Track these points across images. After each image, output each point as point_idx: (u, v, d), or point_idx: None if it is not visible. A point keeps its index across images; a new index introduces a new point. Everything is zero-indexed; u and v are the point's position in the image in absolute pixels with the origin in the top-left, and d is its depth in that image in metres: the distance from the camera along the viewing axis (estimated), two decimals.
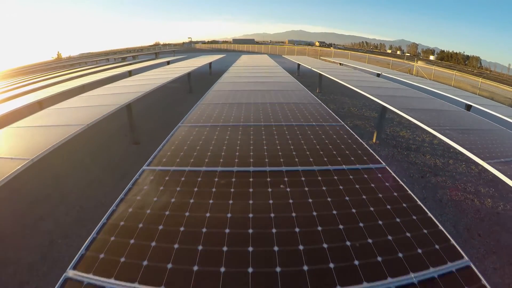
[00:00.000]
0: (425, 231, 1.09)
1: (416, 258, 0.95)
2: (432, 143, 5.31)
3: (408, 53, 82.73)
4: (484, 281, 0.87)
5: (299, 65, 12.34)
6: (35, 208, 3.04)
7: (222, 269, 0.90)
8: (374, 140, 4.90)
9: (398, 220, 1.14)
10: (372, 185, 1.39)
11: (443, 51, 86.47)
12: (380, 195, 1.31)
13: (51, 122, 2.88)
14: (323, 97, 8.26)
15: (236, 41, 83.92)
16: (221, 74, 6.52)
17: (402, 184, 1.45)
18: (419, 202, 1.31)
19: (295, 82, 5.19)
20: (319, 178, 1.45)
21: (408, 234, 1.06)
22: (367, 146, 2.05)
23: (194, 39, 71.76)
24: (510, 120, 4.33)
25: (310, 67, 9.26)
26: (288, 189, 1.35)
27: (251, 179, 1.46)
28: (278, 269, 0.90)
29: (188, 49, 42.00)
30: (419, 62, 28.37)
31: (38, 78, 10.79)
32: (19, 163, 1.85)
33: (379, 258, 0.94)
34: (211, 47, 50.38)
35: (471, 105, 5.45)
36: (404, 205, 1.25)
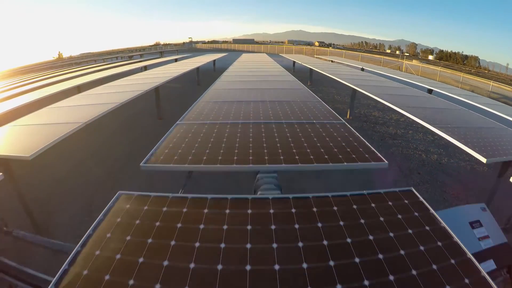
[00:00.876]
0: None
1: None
2: (398, 120, 6.55)
3: (407, 53, 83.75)
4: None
5: (294, 62, 13.57)
6: (111, 144, 4.62)
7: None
8: (348, 116, 6.16)
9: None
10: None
11: (442, 51, 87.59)
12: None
13: (113, 90, 4.17)
14: (312, 88, 9.50)
15: (236, 41, 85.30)
16: (225, 69, 7.74)
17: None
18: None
19: (288, 74, 6.45)
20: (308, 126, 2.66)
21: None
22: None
23: (194, 39, 73.01)
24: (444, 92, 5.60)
25: (304, 64, 10.52)
26: None
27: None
28: None
29: (190, 49, 43.11)
30: (414, 61, 29.86)
31: (59, 73, 12.02)
32: (106, 107, 3.09)
33: None
34: (211, 47, 51.61)
35: (431, 89, 6.69)
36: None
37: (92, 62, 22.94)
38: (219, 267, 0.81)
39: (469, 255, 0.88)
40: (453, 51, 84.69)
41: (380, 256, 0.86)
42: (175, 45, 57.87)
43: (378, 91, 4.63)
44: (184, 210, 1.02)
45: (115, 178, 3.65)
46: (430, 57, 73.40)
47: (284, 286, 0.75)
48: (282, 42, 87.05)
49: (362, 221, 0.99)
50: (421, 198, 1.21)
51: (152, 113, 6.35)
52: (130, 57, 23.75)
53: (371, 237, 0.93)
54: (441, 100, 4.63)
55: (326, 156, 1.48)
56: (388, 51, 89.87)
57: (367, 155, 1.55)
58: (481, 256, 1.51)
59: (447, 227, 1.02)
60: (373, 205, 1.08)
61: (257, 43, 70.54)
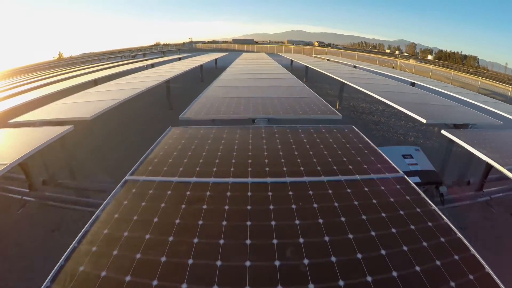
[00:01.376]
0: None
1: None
2: (384, 111, 7.29)
3: (406, 52, 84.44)
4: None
5: (292, 61, 14.33)
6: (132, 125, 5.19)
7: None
8: (337, 106, 6.90)
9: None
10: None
11: (441, 50, 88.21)
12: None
13: (134, 81, 4.91)
14: (308, 84, 10.21)
15: (236, 41, 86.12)
16: (226, 67, 8.45)
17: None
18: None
19: (282, 68, 7.20)
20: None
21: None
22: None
23: (194, 39, 73.62)
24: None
25: (300, 62, 11.29)
26: None
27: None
28: None
29: (190, 49, 43.74)
30: (410, 60, 30.83)
31: (68, 70, 12.76)
32: (134, 91, 3.83)
33: None
34: (211, 47, 52.23)
35: (414, 82, 7.40)
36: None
37: (97, 61, 23.67)
38: (234, 154, 1.54)
39: (391, 163, 1.60)
40: (453, 51, 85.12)
41: (328, 157, 1.58)
42: (175, 45, 58.35)
43: (361, 81, 5.38)
44: (213, 131, 1.78)
45: (136, 151, 4.40)
46: (430, 57, 74.04)
47: (271, 159, 1.47)
48: (281, 42, 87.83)
49: (315, 135, 1.73)
50: (360, 132, 1.94)
51: (163, 105, 7.12)
52: (133, 57, 24.48)
53: (322, 148, 1.66)
54: (415, 89, 5.37)
55: (300, 112, 2.22)
56: (388, 51, 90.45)
57: (328, 112, 2.29)
58: (408, 173, 2.23)
59: (380, 151, 1.73)
60: (323, 130, 1.82)
61: (256, 43, 71.36)
